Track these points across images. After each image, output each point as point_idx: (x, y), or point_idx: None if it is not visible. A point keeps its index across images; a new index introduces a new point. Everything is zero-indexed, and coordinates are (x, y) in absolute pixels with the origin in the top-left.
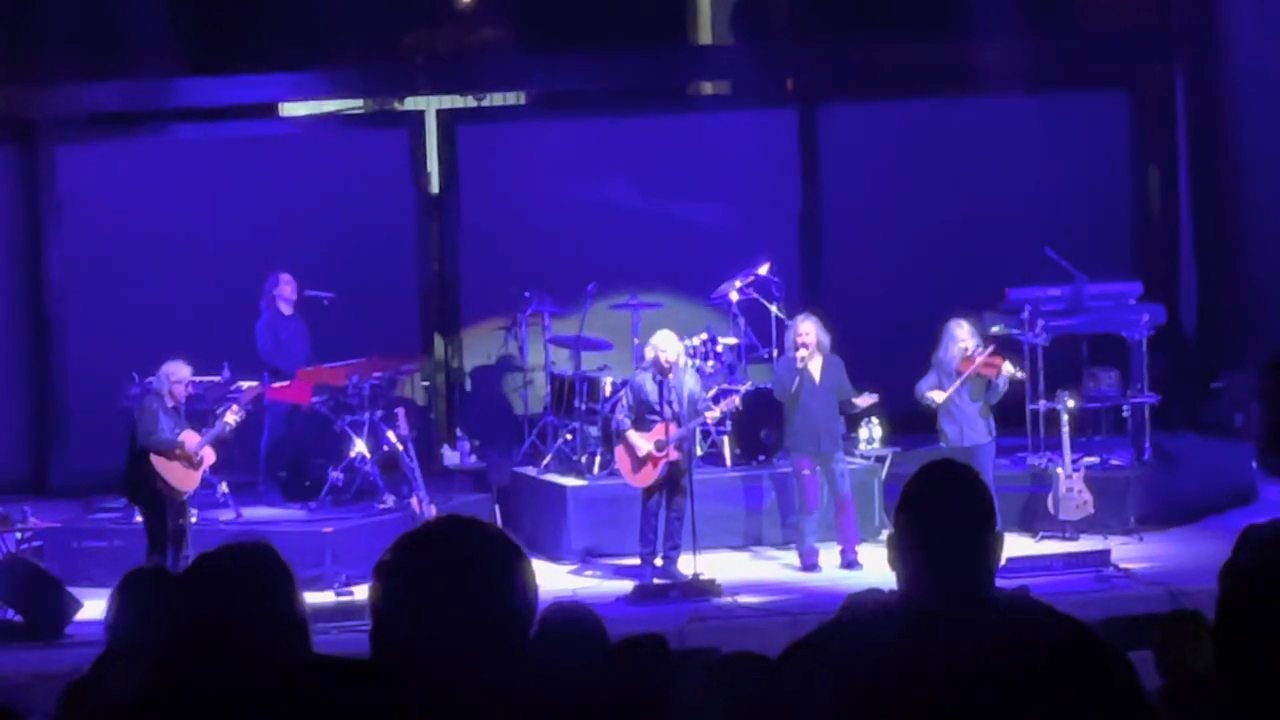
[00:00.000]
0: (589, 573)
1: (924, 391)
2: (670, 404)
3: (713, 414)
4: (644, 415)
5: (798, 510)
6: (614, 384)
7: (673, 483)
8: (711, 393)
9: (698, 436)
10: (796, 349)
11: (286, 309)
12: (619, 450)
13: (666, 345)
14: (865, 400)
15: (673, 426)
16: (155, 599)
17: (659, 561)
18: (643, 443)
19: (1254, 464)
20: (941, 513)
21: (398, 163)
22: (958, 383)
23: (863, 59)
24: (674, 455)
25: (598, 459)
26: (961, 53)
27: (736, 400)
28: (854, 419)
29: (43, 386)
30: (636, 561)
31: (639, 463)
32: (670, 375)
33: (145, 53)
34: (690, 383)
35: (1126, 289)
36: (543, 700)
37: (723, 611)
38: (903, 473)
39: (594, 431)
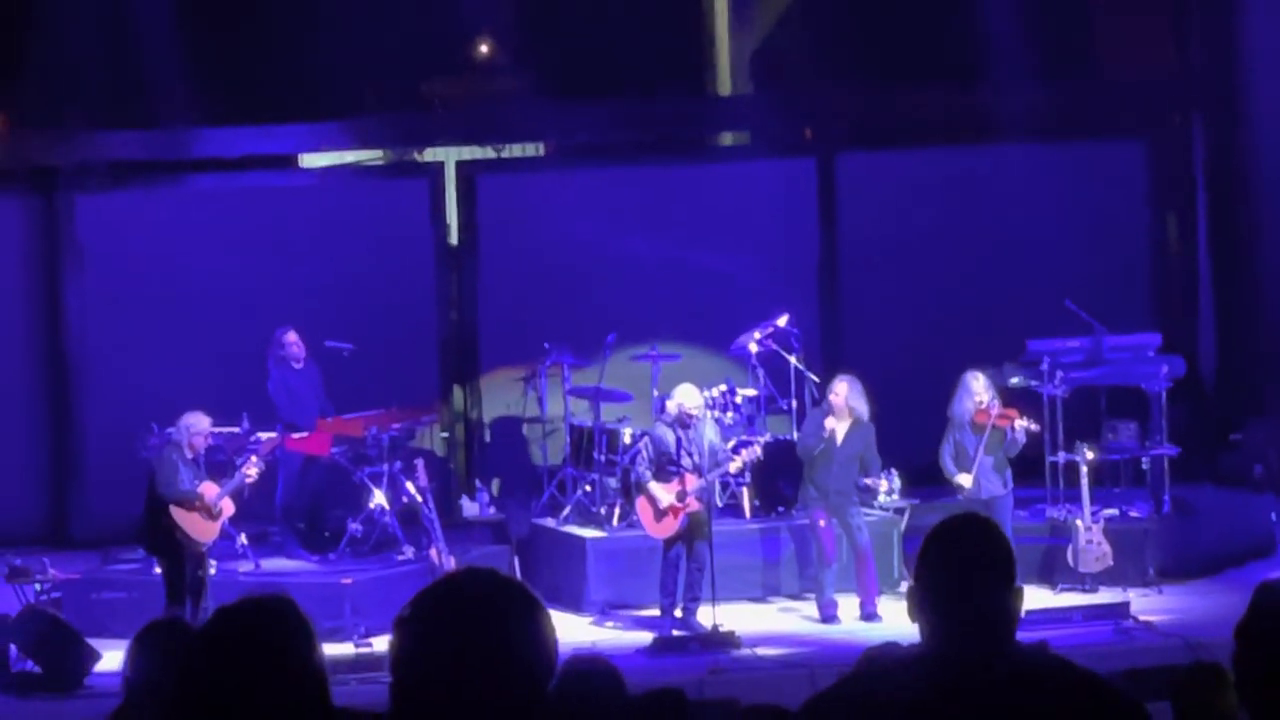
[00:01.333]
0: (608, 624)
1: (954, 473)
2: (691, 455)
3: (735, 464)
4: (665, 467)
5: (816, 562)
6: (633, 435)
7: (693, 533)
8: (731, 444)
9: (717, 488)
10: (829, 412)
11: (297, 364)
12: (640, 502)
13: (688, 398)
14: (873, 483)
15: (693, 478)
16: (173, 651)
17: (679, 613)
18: (664, 494)
19: (1274, 515)
20: (962, 566)
21: (417, 213)
22: (984, 441)
23: (881, 107)
24: (694, 506)
25: (617, 510)
26: (980, 101)
27: (758, 449)
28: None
29: (61, 436)
30: (656, 613)
31: (660, 514)
32: (691, 428)
33: (165, 102)
34: (710, 434)
35: (1145, 341)
36: None
37: (742, 664)
38: (922, 524)
39: (613, 483)
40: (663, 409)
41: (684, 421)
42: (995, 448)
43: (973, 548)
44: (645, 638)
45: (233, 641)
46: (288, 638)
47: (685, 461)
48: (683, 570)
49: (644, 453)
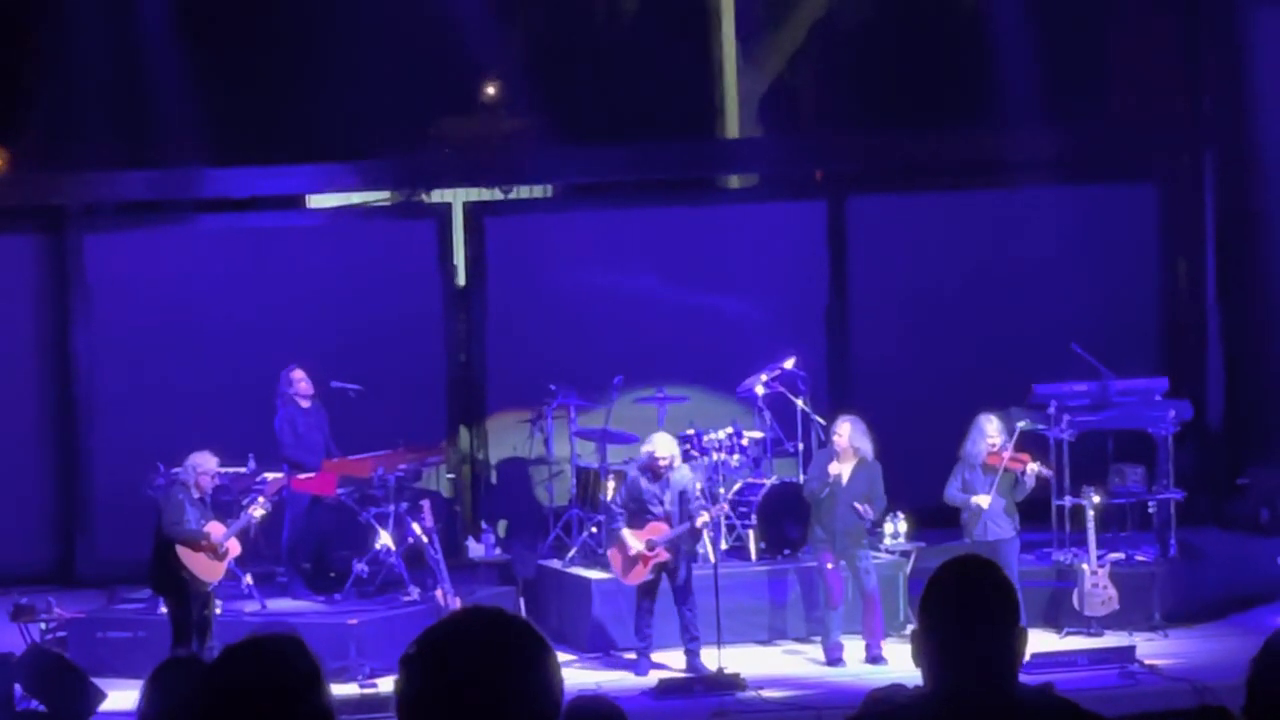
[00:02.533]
0: (613, 668)
1: (967, 498)
2: (663, 503)
3: (702, 518)
4: (639, 513)
5: (823, 605)
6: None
7: (670, 579)
8: (737, 485)
9: (723, 529)
10: (835, 457)
11: (304, 403)
12: (612, 549)
13: (659, 447)
14: (863, 510)
15: (663, 526)
16: (186, 689)
17: (653, 655)
18: (635, 541)
19: (1279, 560)
20: (965, 609)
21: (424, 254)
22: (996, 481)
23: (891, 150)
24: (664, 556)
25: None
26: (990, 144)
27: (725, 507)
28: (879, 514)
29: (69, 475)
30: (659, 656)
31: (630, 561)
32: (661, 477)
33: (173, 143)
34: (684, 482)
35: (1153, 385)
36: None
37: (746, 706)
38: (928, 567)
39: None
40: (653, 455)
41: (655, 470)
42: (1006, 491)
43: (975, 590)
44: (651, 680)
45: (240, 680)
46: (295, 678)
47: (655, 509)
48: (657, 615)
49: (617, 499)
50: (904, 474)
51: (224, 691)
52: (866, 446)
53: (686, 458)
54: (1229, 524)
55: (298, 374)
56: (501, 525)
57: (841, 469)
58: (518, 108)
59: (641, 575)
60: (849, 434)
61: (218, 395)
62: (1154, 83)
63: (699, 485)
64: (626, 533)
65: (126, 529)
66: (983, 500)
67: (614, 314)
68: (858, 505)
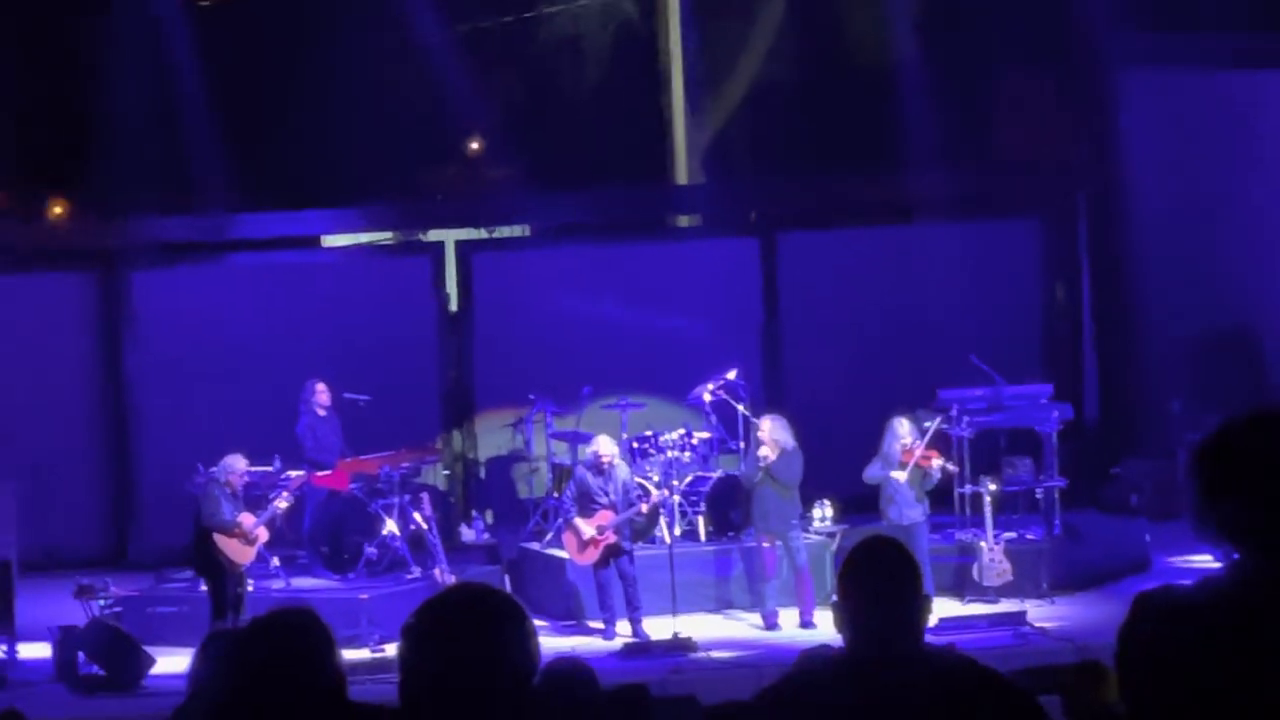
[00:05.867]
0: (586, 635)
1: (885, 474)
2: (607, 495)
3: (644, 506)
4: (587, 504)
5: (759, 578)
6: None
7: (616, 558)
8: (689, 478)
9: (676, 515)
10: (760, 446)
11: (322, 411)
12: (566, 534)
13: (603, 446)
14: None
15: (609, 514)
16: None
17: (623, 626)
18: (586, 528)
19: (1147, 537)
20: (875, 582)
21: (421, 285)
22: (908, 470)
23: (814, 193)
24: (612, 539)
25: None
26: (897, 187)
27: (656, 496)
28: (809, 500)
29: (122, 475)
30: (624, 623)
31: (582, 544)
32: (605, 472)
33: (207, 192)
34: (624, 476)
35: (1038, 390)
36: None
37: (698, 665)
38: (849, 547)
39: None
40: (597, 454)
41: (599, 467)
42: (916, 482)
43: (882, 566)
44: (616, 644)
45: (265, 645)
46: (310, 643)
47: (602, 500)
48: (616, 589)
49: (569, 492)
50: (829, 466)
51: (250, 654)
52: (785, 438)
53: (644, 455)
54: (1104, 507)
55: (319, 386)
56: (489, 514)
57: (768, 456)
58: (498, 160)
59: (593, 557)
60: (769, 429)
61: (247, 406)
62: (1036, 133)
63: (636, 478)
64: (579, 521)
65: (171, 519)
66: (899, 475)
67: (582, 334)
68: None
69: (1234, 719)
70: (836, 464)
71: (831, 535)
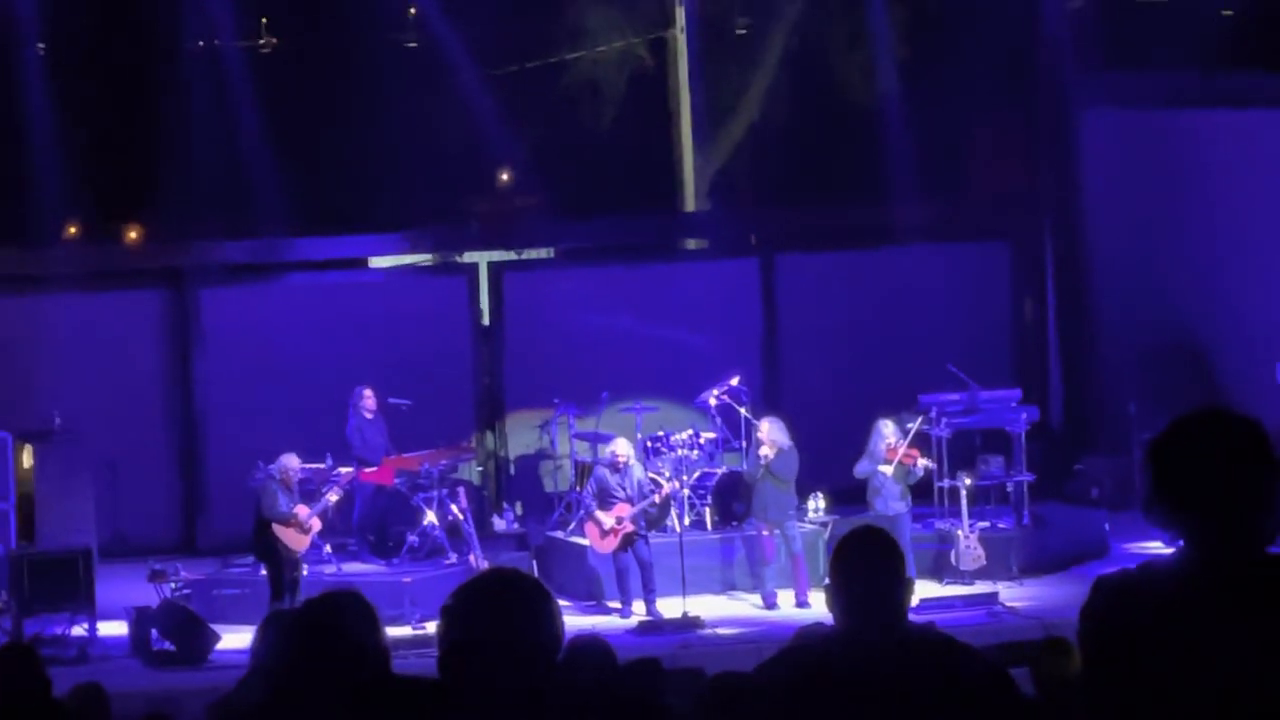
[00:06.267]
0: (604, 614)
1: (873, 469)
2: (624, 489)
3: (657, 498)
4: (606, 497)
5: (759, 563)
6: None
7: (633, 545)
8: (695, 476)
9: (686, 507)
10: (760, 445)
11: (369, 414)
12: (588, 525)
13: (619, 447)
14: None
15: (626, 506)
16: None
17: (638, 606)
18: (606, 519)
19: (1106, 526)
20: (862, 567)
21: (457, 302)
22: (892, 466)
23: (808, 219)
24: (629, 528)
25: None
26: (882, 214)
27: (669, 490)
28: (804, 493)
29: (190, 471)
30: (640, 604)
31: (603, 533)
32: (621, 470)
33: (267, 218)
34: (639, 473)
35: (1009, 395)
36: (568, 707)
37: (705, 641)
38: (841, 535)
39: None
40: (614, 454)
41: (616, 465)
42: (900, 477)
43: (870, 552)
44: (632, 622)
45: (318, 625)
46: (358, 621)
47: (619, 493)
48: (634, 573)
49: (590, 488)
50: (821, 463)
51: (304, 632)
52: (783, 438)
53: (656, 453)
54: (1068, 499)
55: (367, 392)
56: (518, 505)
57: (767, 454)
58: (526, 189)
59: (612, 544)
60: (768, 430)
61: (301, 409)
62: (1006, 165)
63: (649, 474)
64: (599, 513)
65: (234, 511)
66: (885, 470)
67: (601, 345)
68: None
69: (1181, 688)
70: (828, 461)
71: (824, 525)
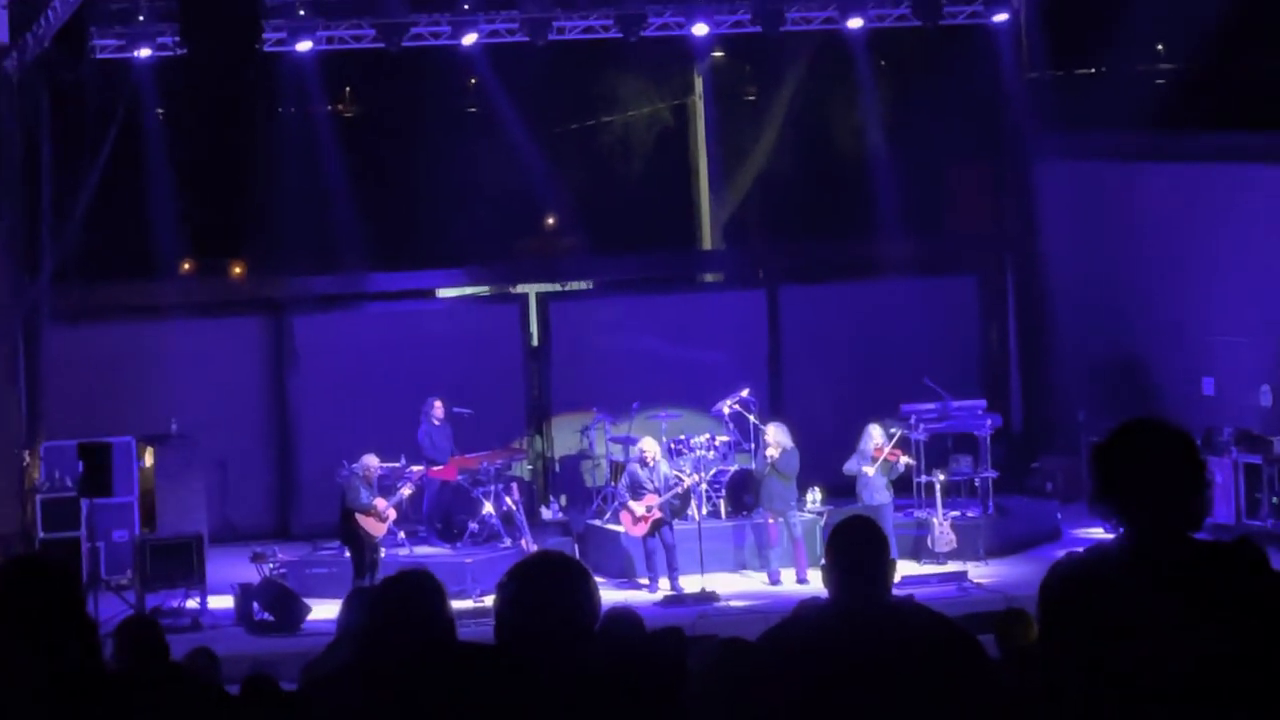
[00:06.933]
0: (634, 589)
1: (859, 468)
2: (652, 482)
3: (679, 490)
4: (636, 490)
5: (765, 546)
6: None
7: (659, 531)
8: (713, 472)
9: (703, 499)
10: (766, 447)
11: (437, 421)
12: (622, 514)
13: (648, 447)
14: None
15: (654, 497)
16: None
17: (663, 582)
18: (637, 508)
19: (1059, 515)
20: (853, 549)
21: (511, 326)
22: (878, 464)
23: (807, 255)
24: (657, 515)
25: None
26: (871, 251)
27: (689, 484)
28: (803, 487)
29: (285, 469)
30: (665, 580)
31: (635, 520)
32: (650, 466)
33: (350, 255)
34: (666, 470)
35: (976, 404)
36: (605, 667)
37: (720, 612)
38: (834, 522)
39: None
40: (643, 453)
41: (644, 462)
42: (884, 473)
43: (858, 537)
44: (658, 596)
45: (393, 598)
46: (428, 595)
47: (648, 486)
48: (660, 554)
49: (623, 482)
50: (818, 462)
51: (385, 605)
52: (786, 440)
53: (678, 454)
54: (1026, 492)
55: (437, 402)
56: (563, 498)
57: (773, 454)
58: (568, 231)
59: (642, 530)
60: (774, 433)
61: (379, 417)
62: (975, 210)
63: (673, 471)
64: (631, 503)
65: (323, 503)
66: (869, 469)
67: (631, 363)
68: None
69: (1123, 649)
70: (824, 462)
71: (820, 514)
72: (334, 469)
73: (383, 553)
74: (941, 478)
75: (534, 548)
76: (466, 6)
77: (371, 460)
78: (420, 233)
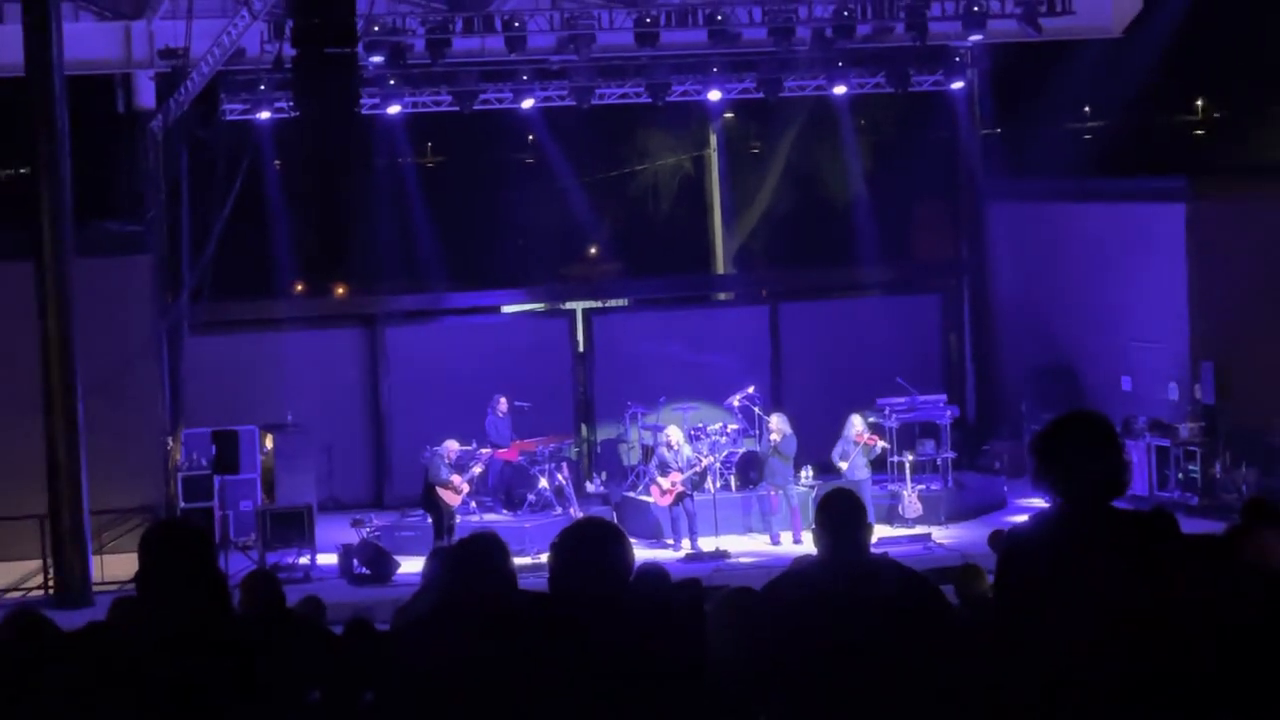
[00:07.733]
0: (662, 549)
1: (836, 460)
2: (677, 463)
3: (698, 468)
4: (663, 468)
5: (768, 513)
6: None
7: (682, 501)
8: (725, 454)
9: (717, 475)
10: (770, 433)
11: (501, 414)
12: (652, 488)
13: (672, 434)
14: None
15: (678, 474)
16: (444, 561)
17: (685, 543)
18: (665, 483)
19: (1005, 488)
20: (836, 516)
21: (561, 337)
22: (855, 452)
23: (803, 278)
24: (681, 488)
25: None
26: (853, 275)
27: (704, 463)
28: (799, 466)
29: (380, 453)
30: (686, 541)
31: (663, 493)
32: (674, 449)
33: (432, 276)
34: (687, 452)
35: (939, 398)
36: (638, 611)
37: (730, 566)
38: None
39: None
40: (668, 438)
41: (670, 445)
42: (865, 454)
43: (842, 504)
44: (680, 554)
45: (467, 556)
46: (494, 552)
47: (673, 465)
48: (683, 520)
49: (653, 463)
50: (812, 445)
51: (460, 561)
52: (786, 428)
53: (697, 439)
54: (979, 469)
55: (501, 399)
56: (604, 475)
57: (775, 439)
58: (608, 259)
59: (668, 501)
60: (776, 422)
61: (455, 410)
62: (938, 241)
63: (693, 453)
64: (660, 479)
65: (410, 478)
66: (843, 465)
67: (659, 366)
68: (773, 434)
69: (1060, 597)
70: (816, 444)
71: (812, 487)
72: (419, 451)
73: (458, 519)
74: (910, 457)
75: (580, 515)
76: (525, 78)
77: (451, 444)
78: (488, 259)
